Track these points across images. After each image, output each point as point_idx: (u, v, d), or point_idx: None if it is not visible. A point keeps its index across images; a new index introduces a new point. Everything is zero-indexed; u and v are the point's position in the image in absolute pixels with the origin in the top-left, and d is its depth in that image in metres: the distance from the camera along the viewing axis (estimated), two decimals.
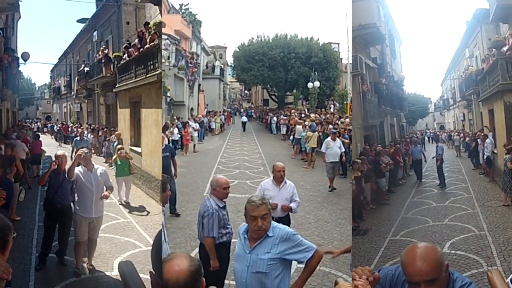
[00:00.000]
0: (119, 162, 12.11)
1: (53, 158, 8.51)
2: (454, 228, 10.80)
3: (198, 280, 2.57)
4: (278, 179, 7.90)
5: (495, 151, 14.40)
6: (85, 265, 8.42)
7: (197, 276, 2.56)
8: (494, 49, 14.05)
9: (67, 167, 8.15)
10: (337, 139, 13.97)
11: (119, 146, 12.89)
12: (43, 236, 8.70)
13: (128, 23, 16.01)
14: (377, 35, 15.30)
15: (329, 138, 14.39)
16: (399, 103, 18.71)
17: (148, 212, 11.61)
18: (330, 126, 17.39)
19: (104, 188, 8.28)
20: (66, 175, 8.01)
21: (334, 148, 13.94)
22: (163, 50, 18.11)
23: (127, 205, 12.02)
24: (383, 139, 16.96)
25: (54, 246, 8.69)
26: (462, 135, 19.24)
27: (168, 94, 19.21)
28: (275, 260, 4.33)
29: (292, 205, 7.86)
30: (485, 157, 15.09)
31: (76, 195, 8.23)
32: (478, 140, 15.90)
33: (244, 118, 25.78)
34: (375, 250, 9.96)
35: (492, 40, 14.69)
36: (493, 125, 14.63)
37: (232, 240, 6.69)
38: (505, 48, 13.53)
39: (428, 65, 30.54)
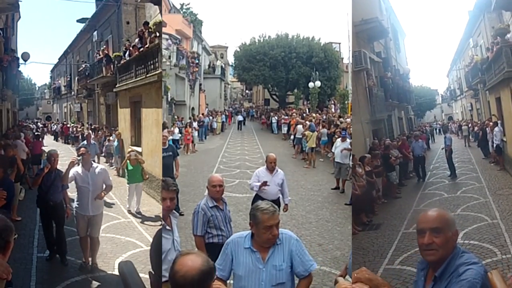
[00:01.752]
0: (130, 167, 11.34)
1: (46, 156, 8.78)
2: (467, 218, 10.68)
3: (206, 281, 2.55)
4: (271, 168, 8.74)
5: (504, 139, 14.23)
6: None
7: (206, 276, 2.54)
8: (498, 37, 13.87)
9: (59, 167, 8.53)
10: (347, 140, 13.77)
11: (129, 149, 12.44)
12: (43, 232, 8.96)
13: (128, 22, 16.00)
14: (380, 29, 15.22)
15: (339, 139, 14.31)
16: (406, 96, 18.59)
17: (158, 218, 11.47)
18: (325, 130, 17.46)
19: (104, 186, 8.40)
20: (62, 182, 8.35)
21: (339, 148, 13.90)
22: (164, 50, 18.12)
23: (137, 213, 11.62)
24: (392, 132, 16.89)
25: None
26: (470, 125, 19.15)
27: (169, 94, 19.21)
28: (290, 267, 4.17)
29: (286, 201, 8.87)
30: (494, 145, 14.90)
31: (76, 193, 8.39)
32: (487, 129, 15.68)
33: (240, 117, 25.81)
34: (388, 244, 9.89)
35: (495, 28, 14.52)
36: (501, 113, 14.42)
37: None
38: (509, 36, 13.41)
39: (433, 57, 30.38)
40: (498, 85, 14.19)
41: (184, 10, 23.43)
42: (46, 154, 8.82)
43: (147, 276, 3.41)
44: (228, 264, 4.18)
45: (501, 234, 9.52)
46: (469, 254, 3.04)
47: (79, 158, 8.18)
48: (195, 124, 19.69)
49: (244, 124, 26.19)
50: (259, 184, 8.55)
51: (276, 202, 8.32)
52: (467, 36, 18.61)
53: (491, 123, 15.40)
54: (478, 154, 16.83)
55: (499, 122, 14.56)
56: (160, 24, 14.07)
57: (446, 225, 3.05)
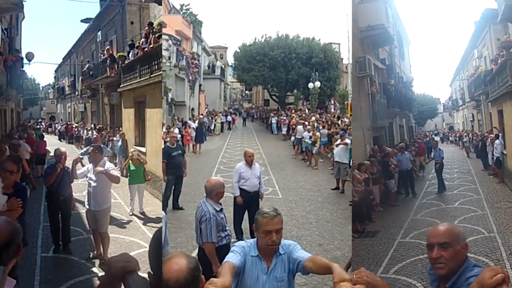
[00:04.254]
0: (132, 167, 11.22)
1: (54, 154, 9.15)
2: (464, 230, 10.35)
3: (198, 276, 2.56)
4: (250, 162, 9.61)
5: (505, 152, 14.29)
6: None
7: (196, 272, 2.54)
8: (503, 50, 13.92)
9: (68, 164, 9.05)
10: (347, 140, 13.83)
11: (132, 150, 12.24)
12: (50, 225, 9.30)
13: (132, 23, 16.11)
14: (386, 36, 15.30)
15: (339, 139, 14.37)
16: (408, 104, 18.53)
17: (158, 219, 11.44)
18: (325, 131, 17.52)
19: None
20: (72, 178, 8.94)
21: (337, 148, 14.00)
22: (164, 51, 18.16)
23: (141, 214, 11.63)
24: (392, 140, 16.94)
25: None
26: (470, 135, 19.21)
27: (169, 95, 19.23)
28: (291, 276, 4.07)
29: (262, 191, 9.80)
30: (494, 158, 14.96)
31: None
32: (488, 140, 15.70)
33: (229, 118, 25.85)
34: (384, 252, 9.86)
35: (501, 41, 14.62)
36: (503, 126, 14.52)
37: (232, 240, 6.70)
38: None
39: (436, 66, 30.68)
40: (501, 98, 14.24)
41: (184, 11, 23.44)
42: (53, 153, 9.15)
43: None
44: (243, 259, 3.97)
45: (497, 247, 9.52)
46: (480, 268, 3.01)
47: (81, 157, 8.92)
48: (193, 125, 19.69)
49: (245, 124, 26.37)
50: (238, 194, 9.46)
51: (257, 193, 9.54)
52: (471, 47, 18.77)
53: (491, 135, 15.42)
54: (478, 166, 16.91)
55: (500, 134, 14.62)
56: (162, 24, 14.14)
57: (455, 239, 3.10)
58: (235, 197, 9.54)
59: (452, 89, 22.79)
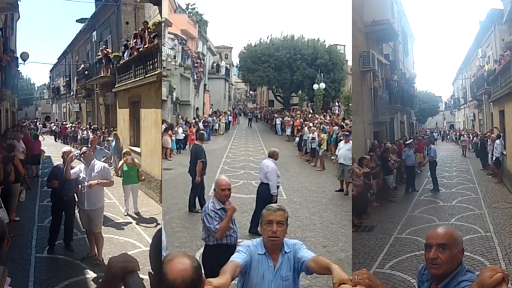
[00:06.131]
0: (125, 168, 11.43)
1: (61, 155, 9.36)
2: (460, 229, 10.59)
3: (201, 275, 2.61)
4: (276, 159, 10.14)
5: (505, 153, 14.27)
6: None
7: (199, 271, 2.58)
8: (507, 50, 13.89)
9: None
10: (351, 142, 13.64)
11: (124, 151, 12.34)
12: (50, 223, 9.48)
13: (127, 23, 16.17)
14: (390, 32, 15.26)
15: (342, 140, 14.24)
16: (410, 100, 18.59)
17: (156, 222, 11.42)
18: (336, 127, 17.26)
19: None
20: (65, 177, 8.88)
21: (342, 150, 13.80)
22: (169, 50, 18.10)
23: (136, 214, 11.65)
24: (393, 136, 16.90)
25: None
26: (471, 135, 19.10)
27: (174, 94, 19.15)
28: (296, 274, 4.10)
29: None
30: (494, 158, 14.93)
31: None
32: (489, 140, 15.67)
33: (229, 118, 25.77)
34: (380, 247, 9.87)
35: (505, 41, 14.62)
36: (504, 126, 14.52)
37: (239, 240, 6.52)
38: None
39: (440, 64, 30.51)
40: (503, 98, 14.28)
41: (189, 10, 23.37)
42: (62, 154, 9.25)
43: (146, 277, 3.27)
44: (249, 257, 3.97)
45: (493, 247, 9.59)
46: (472, 274, 3.16)
47: (76, 154, 8.99)
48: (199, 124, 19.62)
49: (251, 125, 26.23)
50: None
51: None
52: (476, 46, 18.74)
53: (492, 135, 15.47)
54: (477, 165, 17.04)
55: (501, 135, 14.65)
56: (159, 24, 14.05)
57: (453, 243, 3.21)
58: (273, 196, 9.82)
59: (455, 87, 22.80)
